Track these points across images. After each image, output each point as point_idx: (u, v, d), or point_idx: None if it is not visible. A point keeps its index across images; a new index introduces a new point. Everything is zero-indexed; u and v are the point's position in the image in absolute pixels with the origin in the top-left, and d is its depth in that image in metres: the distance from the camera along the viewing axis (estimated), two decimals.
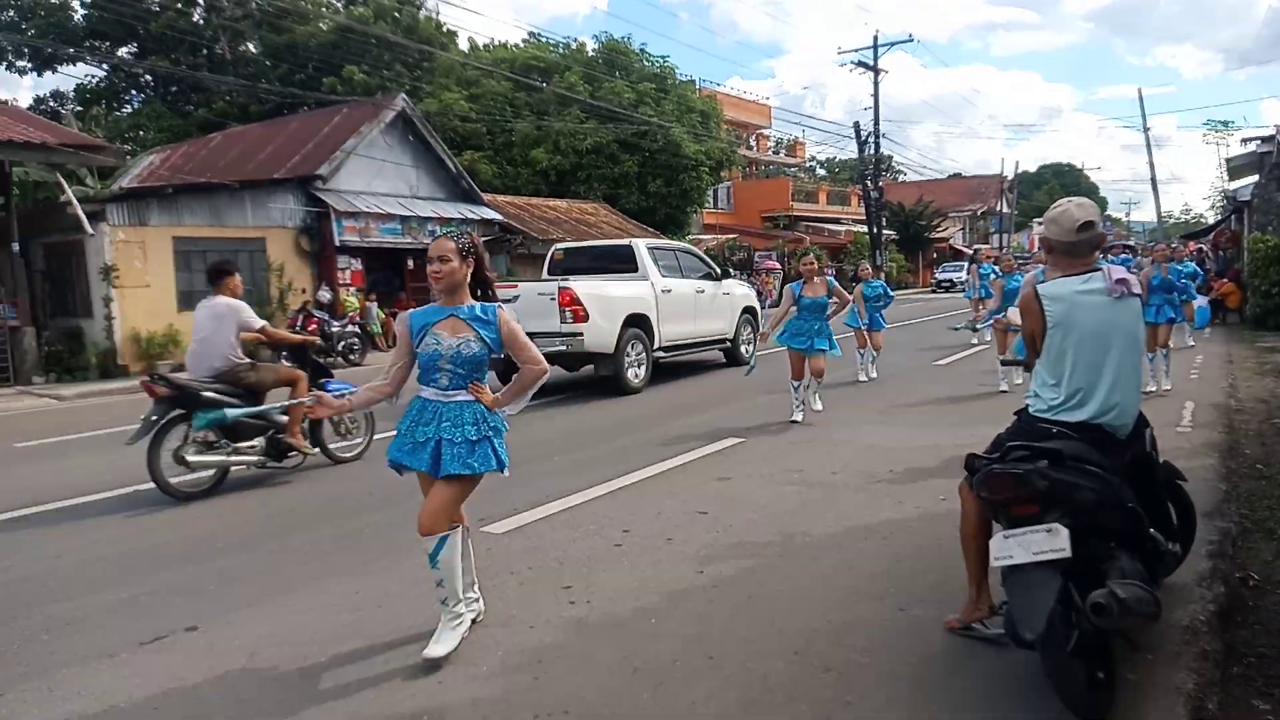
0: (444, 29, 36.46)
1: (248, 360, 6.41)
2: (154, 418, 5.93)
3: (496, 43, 35.37)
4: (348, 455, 7.10)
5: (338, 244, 18.16)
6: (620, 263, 11.32)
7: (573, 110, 28.99)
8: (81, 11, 33.32)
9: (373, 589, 4.17)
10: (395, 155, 20.12)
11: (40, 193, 20.95)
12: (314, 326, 15.98)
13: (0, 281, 15.40)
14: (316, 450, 6.79)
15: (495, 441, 3.37)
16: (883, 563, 4.26)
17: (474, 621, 3.58)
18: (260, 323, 6.42)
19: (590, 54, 32.69)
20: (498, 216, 22.35)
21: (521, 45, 33.96)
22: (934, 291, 40.64)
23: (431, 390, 3.37)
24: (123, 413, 11.07)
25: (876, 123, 37.19)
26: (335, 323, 16.43)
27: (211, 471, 6.18)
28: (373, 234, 18.91)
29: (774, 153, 56.12)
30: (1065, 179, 79.71)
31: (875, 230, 38.59)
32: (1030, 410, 3.28)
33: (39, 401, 12.59)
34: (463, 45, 36.48)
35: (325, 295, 17.09)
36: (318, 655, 3.44)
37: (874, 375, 11.10)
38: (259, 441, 6.38)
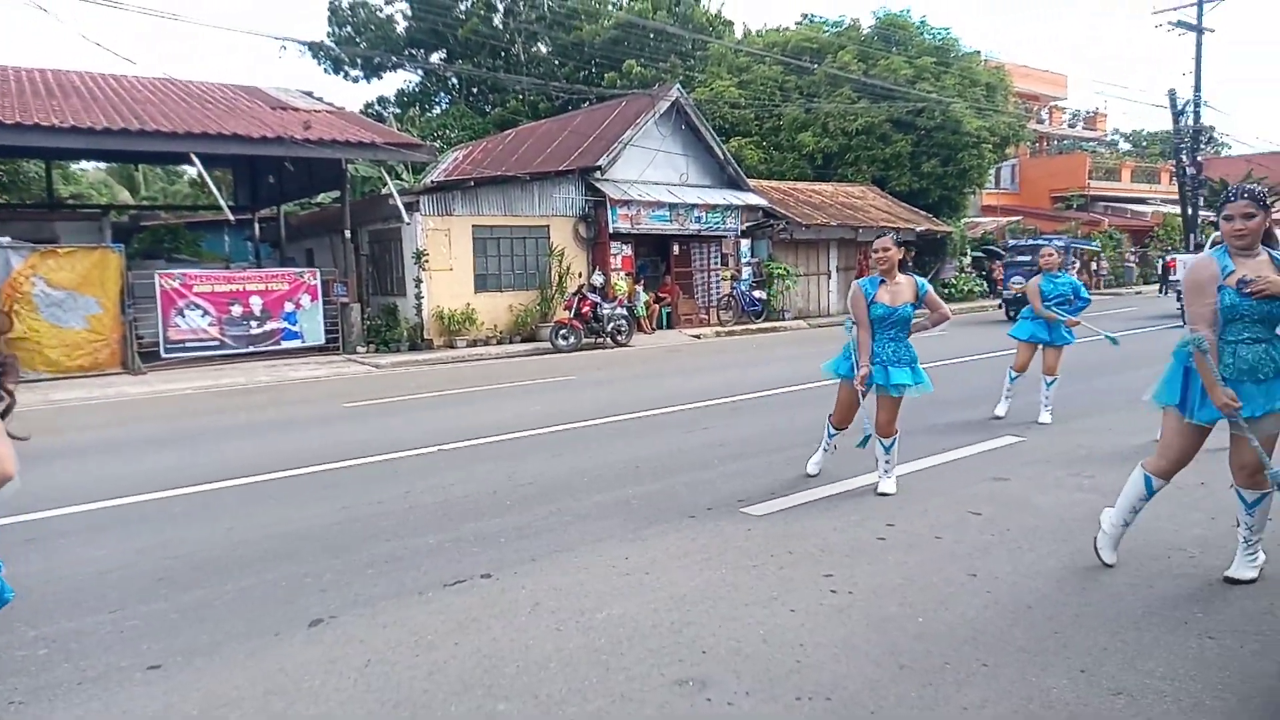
0: (720, 17, 37.02)
1: None
2: None
3: (769, 27, 35.31)
4: None
5: (611, 231, 19.18)
6: None
7: (844, 90, 28.25)
8: (403, 23, 37.73)
9: (640, 557, 4.40)
10: (667, 144, 20.82)
11: (366, 186, 24.17)
12: (588, 308, 17.08)
13: (335, 263, 18.02)
14: None
15: None
16: (1189, 584, 3.80)
17: None
18: None
19: (866, 31, 31.63)
20: (762, 202, 22.40)
21: (794, 28, 33.63)
22: None
23: None
24: (428, 380, 12.55)
25: (1198, 88, 32.52)
26: (606, 305, 17.40)
27: None
28: (643, 221, 19.75)
29: (1069, 126, 51.14)
30: None
31: (1189, 211, 33.84)
32: None
33: (361, 368, 14.54)
34: (738, 33, 36.83)
35: (598, 279, 18.15)
36: (594, 610, 3.71)
37: (1046, 420, 7.58)
38: None
